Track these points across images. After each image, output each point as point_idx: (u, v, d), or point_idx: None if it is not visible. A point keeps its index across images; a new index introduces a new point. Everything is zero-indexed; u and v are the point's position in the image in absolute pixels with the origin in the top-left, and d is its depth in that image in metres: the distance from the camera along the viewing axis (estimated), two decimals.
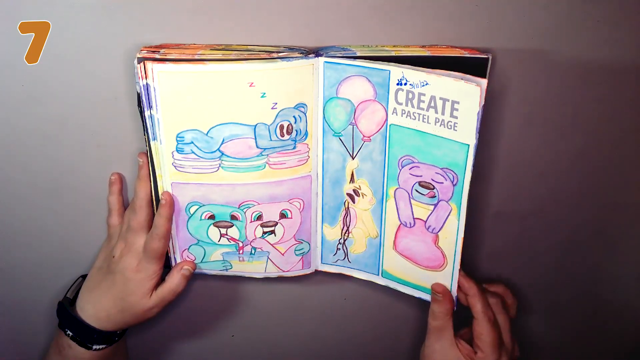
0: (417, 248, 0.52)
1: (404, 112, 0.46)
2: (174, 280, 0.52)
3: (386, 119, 0.48)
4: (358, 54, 0.47)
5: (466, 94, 0.42)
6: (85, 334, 0.51)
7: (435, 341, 0.52)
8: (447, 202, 0.48)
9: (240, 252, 0.54)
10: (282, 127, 0.48)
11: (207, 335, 0.64)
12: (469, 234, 0.58)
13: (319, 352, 0.67)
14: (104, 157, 0.52)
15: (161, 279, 0.52)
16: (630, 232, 0.62)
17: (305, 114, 0.48)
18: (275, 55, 0.45)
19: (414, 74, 0.44)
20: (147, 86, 0.44)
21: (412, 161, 0.48)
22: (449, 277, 0.51)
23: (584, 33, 0.51)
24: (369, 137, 0.49)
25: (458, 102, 0.43)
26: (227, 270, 0.55)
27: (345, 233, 0.55)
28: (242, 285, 0.61)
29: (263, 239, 0.53)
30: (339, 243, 0.55)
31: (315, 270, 0.57)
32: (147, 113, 0.45)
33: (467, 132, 0.43)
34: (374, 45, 0.50)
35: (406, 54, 0.46)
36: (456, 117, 0.43)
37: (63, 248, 0.56)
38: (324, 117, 0.49)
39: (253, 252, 0.54)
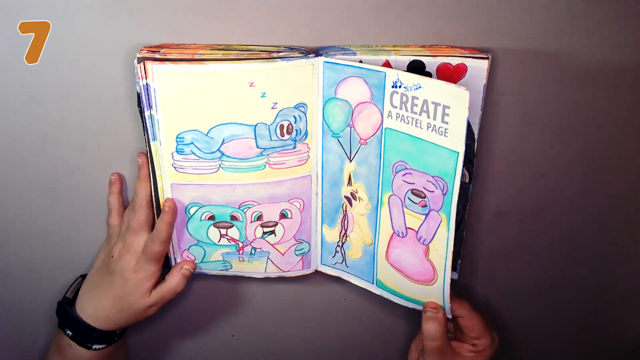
0: (408, 260, 0.51)
1: (398, 115, 0.46)
2: (174, 280, 0.52)
3: (381, 122, 0.47)
4: (358, 54, 0.47)
5: (456, 98, 0.41)
6: (85, 334, 0.51)
7: None
8: (437, 212, 0.46)
9: (240, 252, 0.54)
10: (282, 127, 0.48)
11: (207, 335, 0.64)
12: (469, 234, 0.59)
13: (319, 352, 0.67)
14: (104, 157, 0.52)
15: (161, 278, 0.52)
16: (630, 231, 0.62)
17: (305, 113, 0.48)
18: (275, 55, 0.45)
19: (409, 77, 0.44)
20: (147, 86, 0.44)
21: (405, 167, 0.47)
22: (440, 292, 0.50)
23: (584, 33, 0.51)
24: (365, 139, 0.49)
25: (449, 107, 0.42)
26: (227, 270, 0.55)
27: (343, 236, 0.55)
28: (242, 285, 0.61)
29: (263, 239, 0.53)
30: (337, 246, 0.55)
31: (315, 271, 0.57)
32: (147, 113, 0.45)
33: (456, 138, 0.42)
34: (374, 45, 0.50)
35: (406, 54, 0.46)
36: (447, 123, 0.42)
37: (63, 248, 0.56)
38: (323, 118, 0.49)
39: (253, 252, 0.54)
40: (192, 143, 0.47)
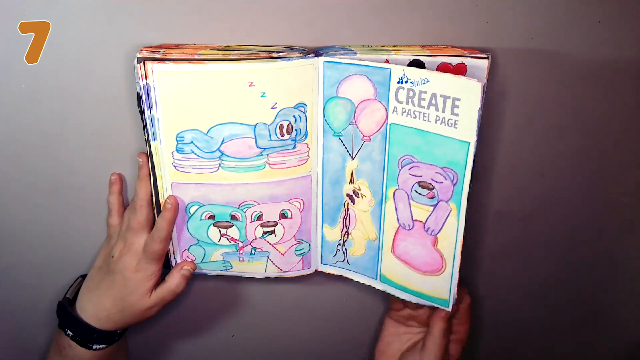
0: (416, 252, 0.51)
1: (404, 110, 0.46)
2: (174, 281, 0.52)
3: (386, 118, 0.48)
4: (358, 54, 0.47)
5: (467, 91, 0.42)
6: (86, 334, 0.51)
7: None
8: (446, 202, 0.48)
9: (240, 252, 0.54)
10: (282, 126, 0.48)
11: (207, 335, 0.64)
12: (469, 234, 0.59)
13: (319, 352, 0.67)
14: (104, 157, 0.52)
15: (161, 279, 0.52)
16: (630, 232, 0.62)
17: (305, 113, 0.48)
18: (275, 55, 0.45)
19: (415, 72, 0.44)
20: (147, 86, 0.44)
21: (411, 161, 0.48)
22: (448, 281, 0.51)
23: (584, 33, 0.51)
24: (369, 136, 0.49)
25: (459, 99, 0.43)
26: (227, 270, 0.55)
27: (344, 234, 0.55)
28: (242, 285, 0.61)
29: (263, 239, 0.53)
30: (339, 244, 0.55)
31: (315, 271, 0.57)
32: (147, 113, 0.45)
33: (467, 129, 0.43)
34: (374, 45, 0.50)
35: (406, 54, 0.46)
36: (457, 115, 0.43)
37: (63, 248, 0.56)
38: (324, 117, 0.49)
39: (253, 252, 0.54)
40: (192, 142, 0.47)
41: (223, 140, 0.47)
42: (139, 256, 0.50)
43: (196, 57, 0.44)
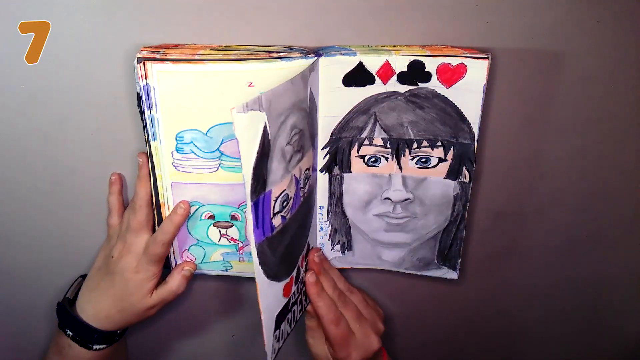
0: None
1: None
2: (175, 282, 0.52)
3: None
4: (358, 54, 0.47)
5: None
6: (86, 334, 0.51)
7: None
8: None
9: (240, 252, 0.54)
10: None
11: (207, 335, 0.64)
12: (470, 233, 0.59)
13: None
14: (104, 157, 0.52)
15: (161, 279, 0.52)
16: (630, 232, 0.62)
17: None
18: (275, 55, 0.45)
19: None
20: (146, 86, 0.44)
21: None
22: None
23: (584, 33, 0.51)
24: None
25: None
26: (227, 270, 0.55)
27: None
28: (242, 285, 0.61)
29: None
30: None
31: None
32: (146, 113, 0.45)
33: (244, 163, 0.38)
34: (374, 45, 0.50)
35: (406, 54, 0.47)
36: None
37: (63, 248, 0.56)
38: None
39: None
40: (191, 142, 0.47)
41: (223, 140, 0.47)
42: (139, 257, 0.50)
43: (196, 57, 0.44)
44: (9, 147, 0.51)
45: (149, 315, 0.52)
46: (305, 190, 0.47)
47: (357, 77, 0.47)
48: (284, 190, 0.42)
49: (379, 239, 0.55)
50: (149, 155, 0.48)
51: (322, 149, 0.51)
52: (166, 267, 0.53)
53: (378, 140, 0.50)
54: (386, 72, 0.47)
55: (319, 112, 0.49)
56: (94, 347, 0.51)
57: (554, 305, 0.67)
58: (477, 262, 0.62)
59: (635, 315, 0.68)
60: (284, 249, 0.44)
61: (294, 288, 0.49)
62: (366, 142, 0.50)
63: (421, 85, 0.47)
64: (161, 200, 0.50)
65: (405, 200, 0.52)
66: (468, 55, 0.46)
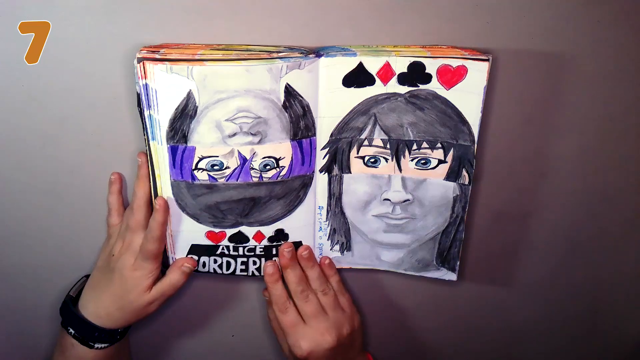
0: None
1: None
2: (174, 276, 0.52)
3: None
4: (358, 54, 0.47)
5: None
6: (87, 332, 0.51)
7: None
8: None
9: None
10: None
11: (207, 335, 0.64)
12: (469, 234, 0.59)
13: None
14: (104, 157, 0.52)
15: (161, 276, 0.52)
16: (630, 231, 0.62)
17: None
18: (275, 55, 0.45)
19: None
20: (146, 86, 0.44)
21: None
22: None
23: (584, 33, 0.51)
24: None
25: None
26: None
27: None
28: (242, 285, 0.61)
29: None
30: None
31: None
32: (146, 113, 0.45)
33: None
34: (374, 45, 0.50)
35: (406, 54, 0.46)
36: None
37: (63, 248, 0.56)
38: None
39: None
40: None
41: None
42: (136, 255, 0.50)
43: (196, 57, 0.44)
44: (9, 147, 0.51)
45: (149, 312, 0.52)
46: (268, 176, 0.49)
47: (357, 77, 0.47)
48: (216, 156, 0.47)
49: (378, 239, 0.55)
50: (148, 155, 0.48)
51: (321, 149, 0.51)
52: (165, 267, 0.53)
53: (378, 141, 0.50)
54: (386, 73, 0.47)
55: (319, 112, 0.49)
56: (96, 345, 0.51)
57: (554, 305, 0.67)
58: (477, 262, 0.62)
59: (636, 316, 0.68)
60: (214, 203, 0.49)
61: (225, 242, 0.52)
62: (366, 142, 0.50)
63: (421, 86, 0.47)
64: None
65: (404, 201, 0.52)
66: (469, 56, 0.46)
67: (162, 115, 0.45)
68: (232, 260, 0.53)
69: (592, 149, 0.57)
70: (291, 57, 0.45)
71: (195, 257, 0.53)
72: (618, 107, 0.55)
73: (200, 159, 0.47)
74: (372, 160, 0.51)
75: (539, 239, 0.61)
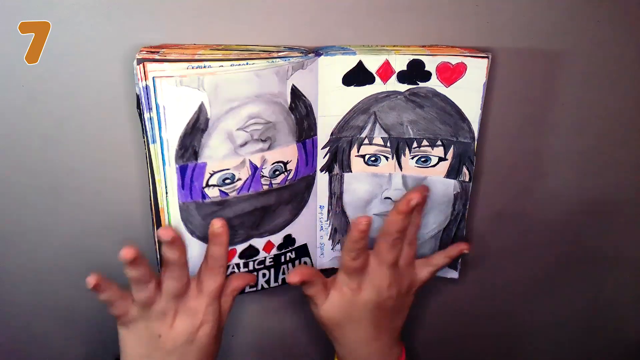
0: None
1: None
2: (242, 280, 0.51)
3: None
4: (358, 54, 0.47)
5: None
6: None
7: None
8: None
9: None
10: None
11: None
12: (469, 234, 0.59)
13: (319, 352, 0.67)
14: (104, 157, 0.52)
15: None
16: (630, 232, 0.62)
17: None
18: (275, 55, 0.45)
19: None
20: (146, 88, 0.44)
21: None
22: None
23: (584, 33, 0.51)
24: None
25: None
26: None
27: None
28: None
29: None
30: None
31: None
32: (146, 115, 0.45)
33: None
34: (374, 45, 0.50)
35: (406, 53, 0.47)
36: None
37: (63, 248, 0.56)
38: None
39: None
40: None
41: None
42: (202, 316, 0.46)
43: (196, 57, 0.44)
44: (9, 147, 0.51)
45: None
46: (277, 182, 0.48)
47: (357, 76, 0.47)
48: (227, 169, 0.44)
49: None
50: (147, 158, 0.46)
51: (322, 149, 0.51)
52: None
53: (378, 140, 0.50)
54: (386, 71, 0.47)
55: (319, 111, 0.49)
56: None
57: (554, 305, 0.67)
58: (477, 262, 0.62)
59: (636, 316, 0.68)
60: (226, 220, 0.45)
61: (235, 260, 0.50)
62: (366, 141, 0.50)
63: (421, 84, 0.47)
64: (160, 206, 0.48)
65: None
66: (468, 54, 0.46)
67: (171, 134, 0.42)
68: None
69: (592, 149, 0.57)
70: (292, 57, 0.45)
71: None
72: (618, 107, 0.55)
73: (212, 175, 0.44)
74: (373, 158, 0.51)
75: (539, 239, 0.61)
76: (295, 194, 0.50)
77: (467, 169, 0.51)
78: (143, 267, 0.42)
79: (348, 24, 0.49)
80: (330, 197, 0.53)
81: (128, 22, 0.47)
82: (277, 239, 0.51)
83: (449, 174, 0.51)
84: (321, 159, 0.51)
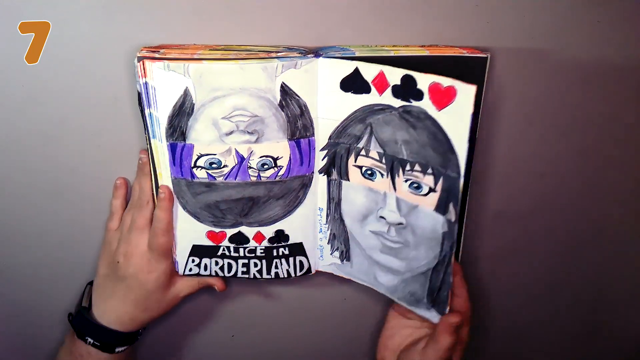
0: None
1: None
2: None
3: None
4: (357, 54, 0.47)
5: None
6: (109, 339, 0.51)
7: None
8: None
9: None
10: None
11: (207, 335, 0.64)
12: (469, 234, 0.59)
13: (319, 352, 0.67)
14: (104, 157, 0.52)
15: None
16: (630, 231, 0.62)
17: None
18: (274, 55, 0.45)
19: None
20: (146, 84, 0.44)
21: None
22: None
23: (584, 33, 0.51)
24: None
25: None
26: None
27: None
28: (242, 285, 0.61)
29: None
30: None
31: (316, 271, 0.57)
32: (147, 111, 0.45)
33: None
34: (374, 45, 0.50)
35: (405, 53, 0.46)
36: None
37: (63, 248, 0.56)
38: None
39: None
40: None
41: None
42: (146, 256, 0.50)
43: (195, 57, 0.44)
44: (9, 147, 0.51)
45: (177, 303, 0.54)
46: (266, 175, 0.49)
47: (354, 83, 0.47)
48: (214, 154, 0.47)
49: (375, 258, 0.54)
50: (149, 154, 0.48)
51: (320, 150, 0.51)
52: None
53: (374, 154, 0.49)
54: (381, 82, 0.46)
55: (318, 113, 0.49)
56: (117, 349, 0.51)
57: (554, 305, 0.67)
58: (477, 262, 0.61)
59: (636, 316, 0.68)
60: (213, 202, 0.49)
61: (225, 243, 0.52)
62: (363, 152, 0.49)
63: (414, 102, 0.45)
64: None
65: (398, 224, 0.50)
66: (467, 54, 0.46)
67: (161, 113, 0.45)
68: (233, 262, 0.53)
69: (592, 149, 0.57)
70: (290, 57, 0.45)
71: (197, 260, 0.53)
72: (618, 107, 0.55)
73: (199, 157, 0.47)
74: (369, 172, 0.50)
75: (539, 239, 0.61)
76: (288, 191, 0.50)
77: (454, 208, 0.46)
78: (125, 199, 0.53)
79: (348, 24, 0.49)
80: (329, 201, 0.53)
81: (128, 22, 0.47)
82: (267, 231, 0.52)
83: (438, 208, 0.47)
84: (319, 161, 0.51)
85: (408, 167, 0.47)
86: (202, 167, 0.48)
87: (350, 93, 0.47)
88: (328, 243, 0.55)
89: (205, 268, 0.53)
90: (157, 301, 0.51)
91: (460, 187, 0.44)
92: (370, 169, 0.50)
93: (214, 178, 0.48)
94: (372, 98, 0.47)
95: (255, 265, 0.54)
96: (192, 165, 0.47)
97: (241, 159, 0.47)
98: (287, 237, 0.53)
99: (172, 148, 0.47)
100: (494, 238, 0.60)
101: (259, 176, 0.49)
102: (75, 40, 0.47)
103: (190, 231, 0.51)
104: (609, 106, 0.54)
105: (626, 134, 0.56)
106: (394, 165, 0.48)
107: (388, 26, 0.49)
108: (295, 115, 0.47)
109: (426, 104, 0.44)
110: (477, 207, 0.58)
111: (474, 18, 0.49)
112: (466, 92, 0.41)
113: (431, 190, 0.47)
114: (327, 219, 0.54)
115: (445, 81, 0.42)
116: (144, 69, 0.43)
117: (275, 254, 0.53)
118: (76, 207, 0.55)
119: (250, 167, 0.48)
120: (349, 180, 0.51)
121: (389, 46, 0.49)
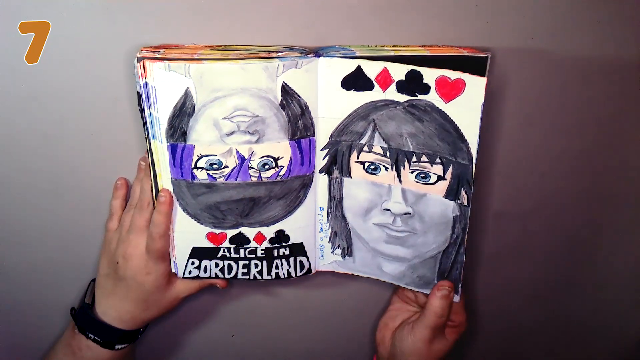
0: None
1: None
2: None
3: None
4: (357, 54, 0.47)
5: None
6: (110, 336, 0.51)
7: (435, 338, 0.53)
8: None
9: None
10: None
11: (207, 335, 0.64)
12: (469, 234, 0.59)
13: (319, 352, 0.67)
14: (104, 157, 0.52)
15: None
16: (630, 232, 0.62)
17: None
18: (274, 55, 0.45)
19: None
20: (146, 85, 0.44)
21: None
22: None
23: (584, 33, 0.51)
24: None
25: None
26: None
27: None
28: (242, 285, 0.61)
29: None
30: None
31: (316, 271, 0.57)
32: (147, 112, 0.45)
33: None
34: (374, 45, 0.50)
35: (405, 53, 0.46)
36: None
37: (63, 248, 0.56)
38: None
39: None
40: None
41: None
42: (145, 257, 0.50)
43: (195, 57, 0.44)
44: (9, 147, 0.51)
45: (179, 302, 0.54)
46: (267, 176, 0.49)
47: (356, 81, 0.47)
48: (214, 154, 0.47)
49: (379, 249, 0.54)
50: (149, 155, 0.48)
51: (320, 150, 0.51)
52: None
53: (377, 149, 0.49)
54: (385, 79, 0.46)
55: (319, 112, 0.49)
56: (117, 347, 0.52)
57: (553, 305, 0.67)
58: (477, 262, 0.62)
59: (636, 316, 0.68)
60: (213, 203, 0.49)
61: (226, 244, 0.52)
62: (365, 148, 0.50)
63: (420, 96, 0.46)
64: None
65: (405, 214, 0.51)
66: (467, 54, 0.46)
67: (161, 113, 0.45)
68: (233, 264, 0.53)
69: (592, 149, 0.57)
70: (290, 57, 0.45)
71: (197, 262, 0.53)
72: (618, 107, 0.55)
73: (199, 158, 0.47)
74: (372, 167, 0.50)
75: (539, 238, 0.61)
76: (289, 191, 0.50)
77: (466, 193, 0.49)
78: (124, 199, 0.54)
79: (348, 24, 0.49)
80: (330, 200, 0.53)
81: (128, 22, 0.47)
82: (268, 232, 0.52)
83: (448, 195, 0.49)
84: (320, 160, 0.51)
85: (414, 159, 0.48)
86: (202, 168, 0.47)
87: (352, 91, 0.48)
88: (329, 242, 0.55)
89: (205, 270, 0.53)
90: (157, 301, 0.51)
91: (472, 172, 0.47)
92: (374, 163, 0.50)
93: (215, 179, 0.48)
94: (375, 95, 0.47)
95: (256, 266, 0.54)
96: (193, 166, 0.47)
97: (242, 160, 0.47)
98: (287, 238, 0.53)
99: (173, 149, 0.46)
100: (494, 238, 0.60)
101: (259, 176, 0.49)
102: (75, 40, 0.47)
103: (190, 233, 0.51)
104: (609, 106, 0.54)
105: (626, 133, 0.56)
106: (399, 158, 0.49)
107: (388, 26, 0.49)
108: (296, 115, 0.47)
109: (433, 97, 0.46)
110: (477, 207, 0.58)
111: (474, 18, 0.49)
112: (476, 84, 0.44)
113: (440, 178, 0.49)
114: (328, 218, 0.54)
115: (452, 74, 0.44)
116: (143, 69, 0.43)
117: (275, 254, 0.53)
118: (76, 207, 0.55)
119: (251, 168, 0.48)
120: (350, 177, 0.51)
121: (389, 46, 0.49)
